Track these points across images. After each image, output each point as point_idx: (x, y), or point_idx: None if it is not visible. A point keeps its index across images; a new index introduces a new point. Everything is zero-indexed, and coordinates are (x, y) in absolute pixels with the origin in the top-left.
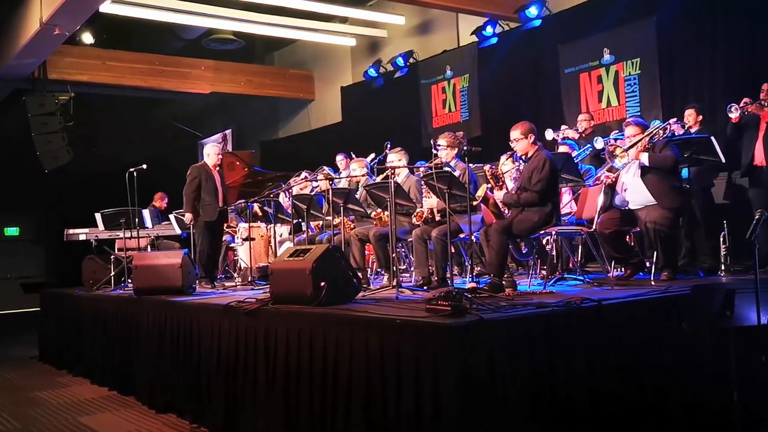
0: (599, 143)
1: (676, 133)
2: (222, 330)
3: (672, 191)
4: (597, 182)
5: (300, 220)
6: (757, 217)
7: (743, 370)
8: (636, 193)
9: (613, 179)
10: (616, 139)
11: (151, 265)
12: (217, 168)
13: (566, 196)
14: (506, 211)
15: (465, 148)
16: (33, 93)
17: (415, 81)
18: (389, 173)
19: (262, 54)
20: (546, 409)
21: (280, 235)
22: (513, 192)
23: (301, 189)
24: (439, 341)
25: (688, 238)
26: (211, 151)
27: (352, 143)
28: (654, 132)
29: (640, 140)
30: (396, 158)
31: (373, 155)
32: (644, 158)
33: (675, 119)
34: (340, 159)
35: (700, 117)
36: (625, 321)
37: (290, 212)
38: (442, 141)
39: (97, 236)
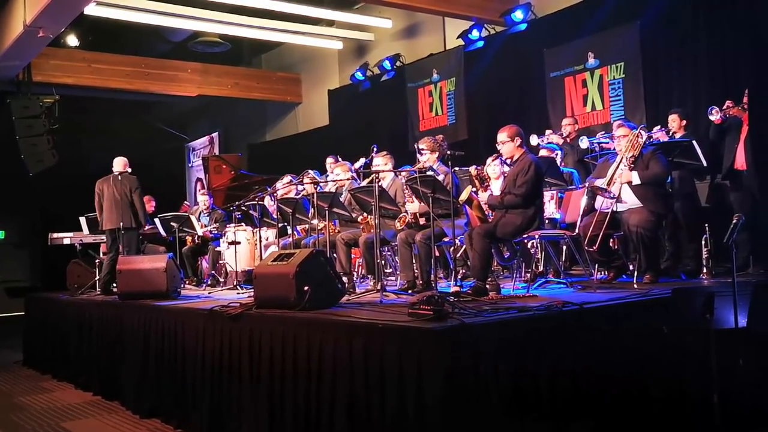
0: (584, 143)
1: (660, 140)
2: (206, 335)
3: (658, 196)
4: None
5: (285, 224)
6: (734, 221)
7: (723, 372)
8: (621, 196)
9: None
10: (600, 143)
11: (135, 269)
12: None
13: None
14: (490, 214)
15: (447, 152)
16: (17, 95)
17: (402, 84)
18: (374, 177)
19: (249, 57)
20: (529, 411)
21: (266, 239)
22: (498, 194)
23: (284, 193)
24: (421, 345)
25: (671, 241)
26: None
27: (340, 146)
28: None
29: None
30: (381, 162)
31: (363, 160)
32: (635, 178)
33: (659, 127)
34: (330, 161)
35: (684, 122)
36: (607, 324)
37: (276, 216)
38: (423, 146)
39: (81, 240)
